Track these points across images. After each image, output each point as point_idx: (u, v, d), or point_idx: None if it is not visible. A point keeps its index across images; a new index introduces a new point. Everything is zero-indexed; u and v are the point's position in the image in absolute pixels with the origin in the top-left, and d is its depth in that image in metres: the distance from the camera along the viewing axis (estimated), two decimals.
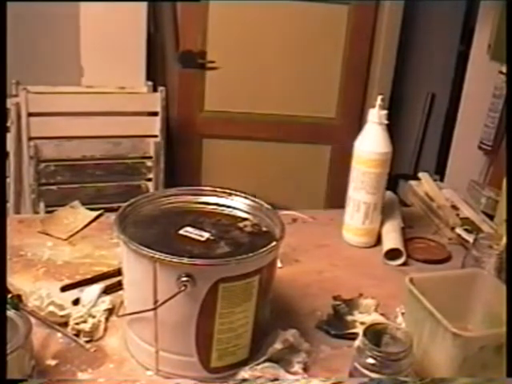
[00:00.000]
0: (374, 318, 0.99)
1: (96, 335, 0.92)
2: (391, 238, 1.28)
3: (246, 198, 0.98)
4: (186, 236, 0.87)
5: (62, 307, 0.94)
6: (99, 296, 0.99)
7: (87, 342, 0.90)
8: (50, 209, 1.88)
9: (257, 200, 0.97)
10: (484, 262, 1.05)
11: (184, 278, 0.76)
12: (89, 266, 1.13)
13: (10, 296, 0.92)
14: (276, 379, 0.82)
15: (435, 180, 1.67)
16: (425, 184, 1.59)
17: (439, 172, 2.57)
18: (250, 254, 0.79)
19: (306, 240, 1.29)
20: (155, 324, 0.82)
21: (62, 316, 0.93)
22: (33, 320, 0.83)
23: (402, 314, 0.98)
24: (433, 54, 2.83)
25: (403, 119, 2.94)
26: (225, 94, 2.72)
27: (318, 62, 2.72)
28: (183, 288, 0.76)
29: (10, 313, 0.78)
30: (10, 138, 2.05)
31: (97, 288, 1.01)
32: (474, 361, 0.79)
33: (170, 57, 2.61)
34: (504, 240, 1.07)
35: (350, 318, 1.00)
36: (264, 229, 0.92)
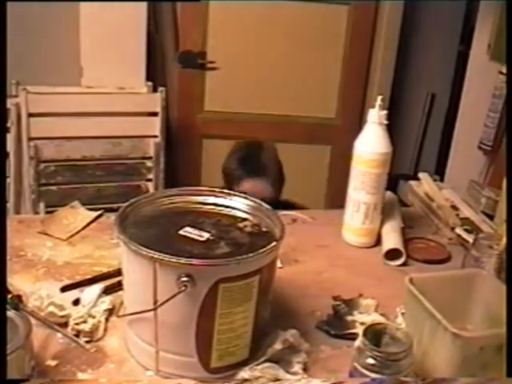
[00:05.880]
0: (374, 318, 0.99)
1: (96, 335, 0.92)
2: (391, 238, 1.28)
3: (245, 198, 0.98)
4: (185, 236, 0.87)
5: (62, 307, 0.94)
6: (99, 296, 0.99)
7: (87, 342, 0.90)
8: (50, 209, 1.89)
9: (256, 200, 0.97)
10: (484, 262, 1.05)
11: (184, 279, 0.76)
12: (89, 267, 1.13)
13: (10, 296, 0.92)
14: (276, 379, 0.82)
15: (435, 180, 1.67)
16: (425, 184, 1.59)
17: (439, 172, 2.56)
18: (250, 255, 0.79)
19: (305, 240, 1.29)
20: (155, 324, 0.82)
21: (61, 316, 0.93)
22: (33, 320, 0.83)
23: (402, 314, 0.98)
24: (433, 54, 2.83)
25: (403, 119, 2.94)
26: (225, 94, 2.72)
27: (318, 62, 2.73)
28: (183, 288, 0.76)
29: (10, 313, 0.78)
30: (10, 138, 2.05)
31: (97, 288, 1.01)
32: (473, 361, 0.79)
33: (170, 57, 2.61)
34: (504, 240, 1.07)
35: (349, 318, 1.00)
36: (264, 229, 0.92)
